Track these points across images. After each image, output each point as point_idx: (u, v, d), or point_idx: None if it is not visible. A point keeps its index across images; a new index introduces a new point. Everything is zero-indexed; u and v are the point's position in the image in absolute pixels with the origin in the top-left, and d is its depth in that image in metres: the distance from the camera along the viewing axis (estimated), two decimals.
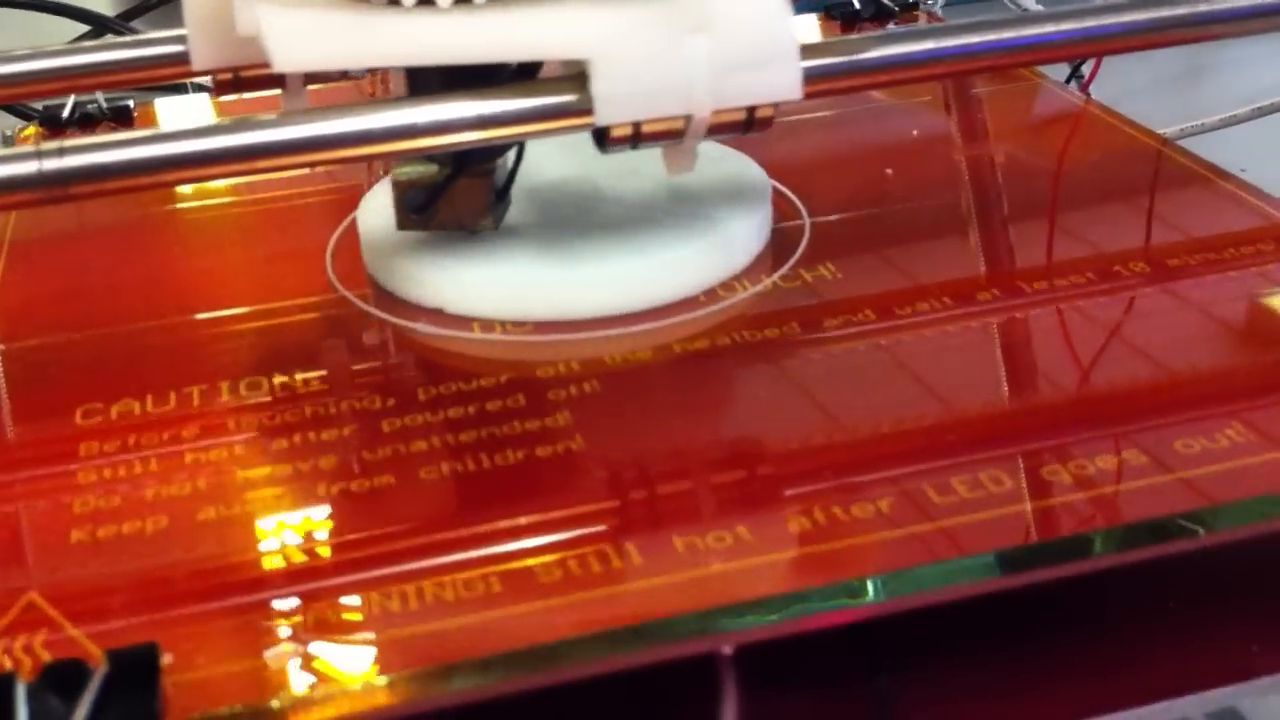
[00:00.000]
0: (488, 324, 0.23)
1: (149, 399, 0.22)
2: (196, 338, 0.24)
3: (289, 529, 0.19)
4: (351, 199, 0.27)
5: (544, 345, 0.23)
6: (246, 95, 0.26)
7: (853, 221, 0.27)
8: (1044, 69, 0.34)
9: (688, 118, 0.21)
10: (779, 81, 0.21)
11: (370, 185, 0.27)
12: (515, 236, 0.25)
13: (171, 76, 0.27)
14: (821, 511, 0.18)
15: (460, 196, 0.24)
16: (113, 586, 0.18)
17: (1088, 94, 0.40)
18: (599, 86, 0.21)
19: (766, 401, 0.21)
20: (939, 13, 0.40)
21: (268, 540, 0.19)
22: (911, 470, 0.19)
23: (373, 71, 0.31)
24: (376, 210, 0.26)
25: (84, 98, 0.35)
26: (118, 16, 0.52)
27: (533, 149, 0.26)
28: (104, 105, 0.35)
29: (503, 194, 0.25)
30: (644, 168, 0.26)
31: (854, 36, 0.23)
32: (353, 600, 0.17)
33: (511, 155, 0.25)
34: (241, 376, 0.22)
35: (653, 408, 0.21)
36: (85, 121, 0.34)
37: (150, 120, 0.35)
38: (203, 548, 0.18)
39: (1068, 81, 0.42)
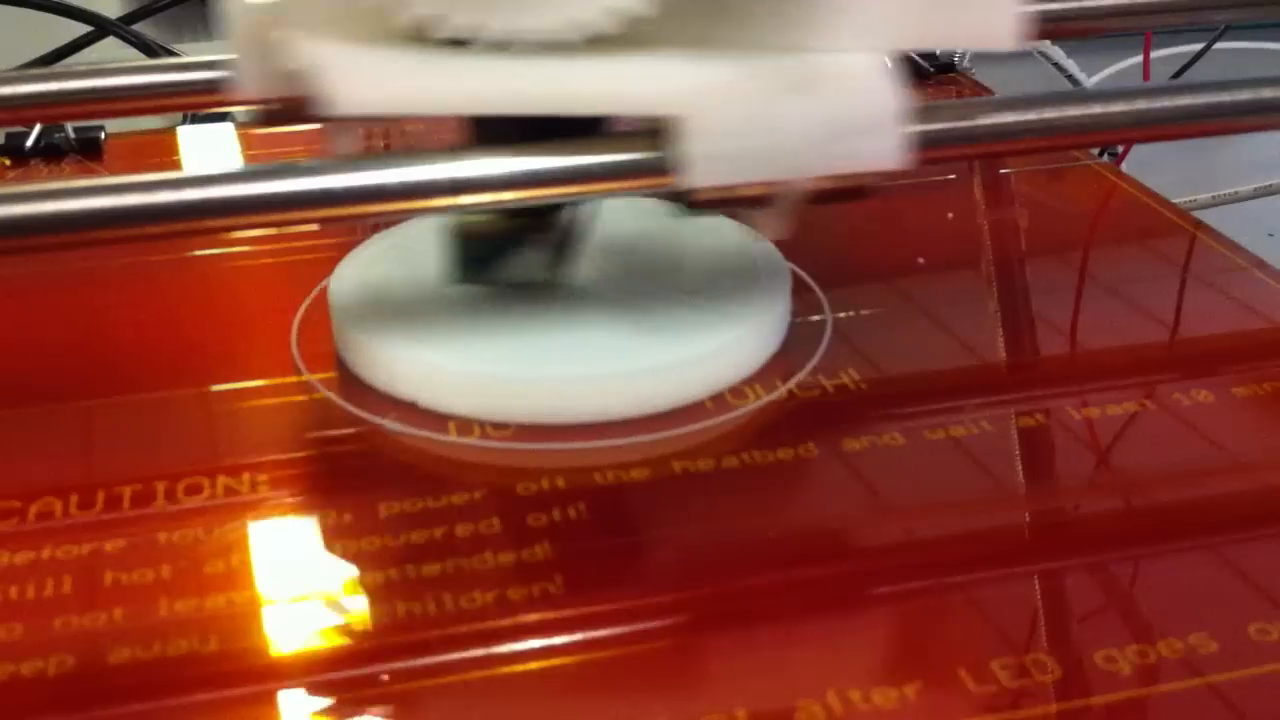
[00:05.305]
0: (465, 425, 0.21)
1: (73, 499, 0.19)
2: (133, 425, 0.21)
3: (216, 678, 0.16)
4: (332, 258, 0.24)
5: (526, 454, 0.20)
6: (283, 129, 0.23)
7: (880, 317, 0.24)
8: None
9: (784, 183, 0.20)
10: (882, 149, 0.20)
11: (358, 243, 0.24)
12: (500, 327, 0.22)
13: (208, 105, 0.26)
14: (836, 696, 0.15)
15: (523, 248, 0.22)
16: None
17: (1120, 169, 0.37)
18: (693, 146, 0.19)
19: (775, 541, 0.18)
20: (974, 74, 0.37)
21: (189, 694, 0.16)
22: (947, 656, 0.16)
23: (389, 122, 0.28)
24: (352, 278, 0.23)
25: (52, 124, 0.33)
26: (120, 19, 0.50)
27: None
28: (71, 136, 0.32)
29: (566, 247, 0.23)
30: (644, 250, 0.23)
31: (962, 101, 0.21)
32: None
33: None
34: (180, 477, 0.19)
35: (645, 541, 0.19)
36: (50, 152, 0.32)
37: (122, 152, 0.32)
38: (114, 697, 0.16)
39: (1100, 155, 0.39)
